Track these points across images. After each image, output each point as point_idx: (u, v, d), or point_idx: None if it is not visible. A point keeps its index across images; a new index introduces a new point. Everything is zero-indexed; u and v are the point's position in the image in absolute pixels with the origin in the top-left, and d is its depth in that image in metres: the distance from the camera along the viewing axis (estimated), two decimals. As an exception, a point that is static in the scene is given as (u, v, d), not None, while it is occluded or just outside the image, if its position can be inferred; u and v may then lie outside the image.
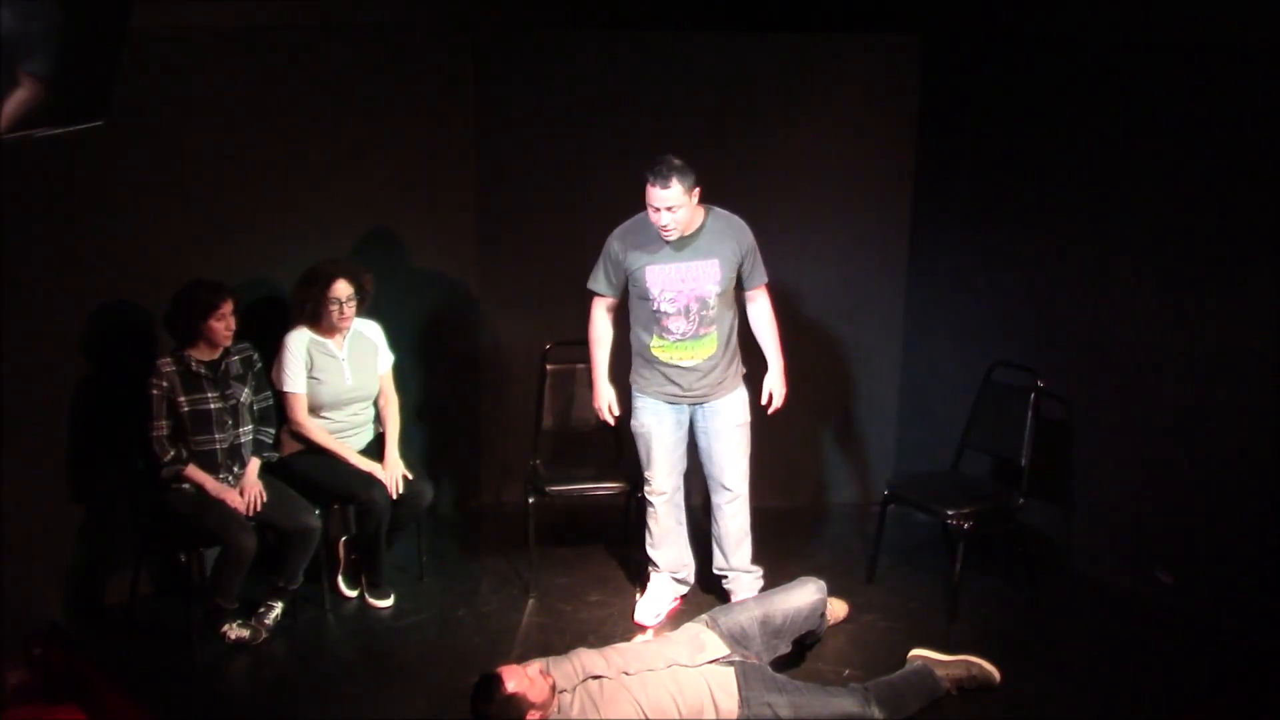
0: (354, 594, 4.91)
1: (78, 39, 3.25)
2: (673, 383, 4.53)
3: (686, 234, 4.39)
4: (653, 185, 4.24)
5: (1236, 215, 4.53)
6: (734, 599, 4.70)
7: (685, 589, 4.87)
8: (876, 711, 3.91)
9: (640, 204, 4.28)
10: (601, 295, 4.59)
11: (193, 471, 4.43)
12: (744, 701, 3.83)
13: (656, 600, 4.78)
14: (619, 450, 5.30)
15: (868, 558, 5.14)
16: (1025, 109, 5.12)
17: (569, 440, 5.49)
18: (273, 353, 4.66)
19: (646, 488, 4.71)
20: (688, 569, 4.86)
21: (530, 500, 4.94)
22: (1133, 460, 4.94)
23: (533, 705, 3.64)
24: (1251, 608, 4.61)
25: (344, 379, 4.72)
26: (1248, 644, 4.56)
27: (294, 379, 4.64)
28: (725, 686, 3.85)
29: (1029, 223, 5.18)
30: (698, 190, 4.30)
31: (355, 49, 5.05)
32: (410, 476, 4.73)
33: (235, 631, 4.49)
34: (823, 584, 4.35)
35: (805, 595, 4.28)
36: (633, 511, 5.09)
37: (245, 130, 4.82)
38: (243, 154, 4.82)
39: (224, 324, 4.39)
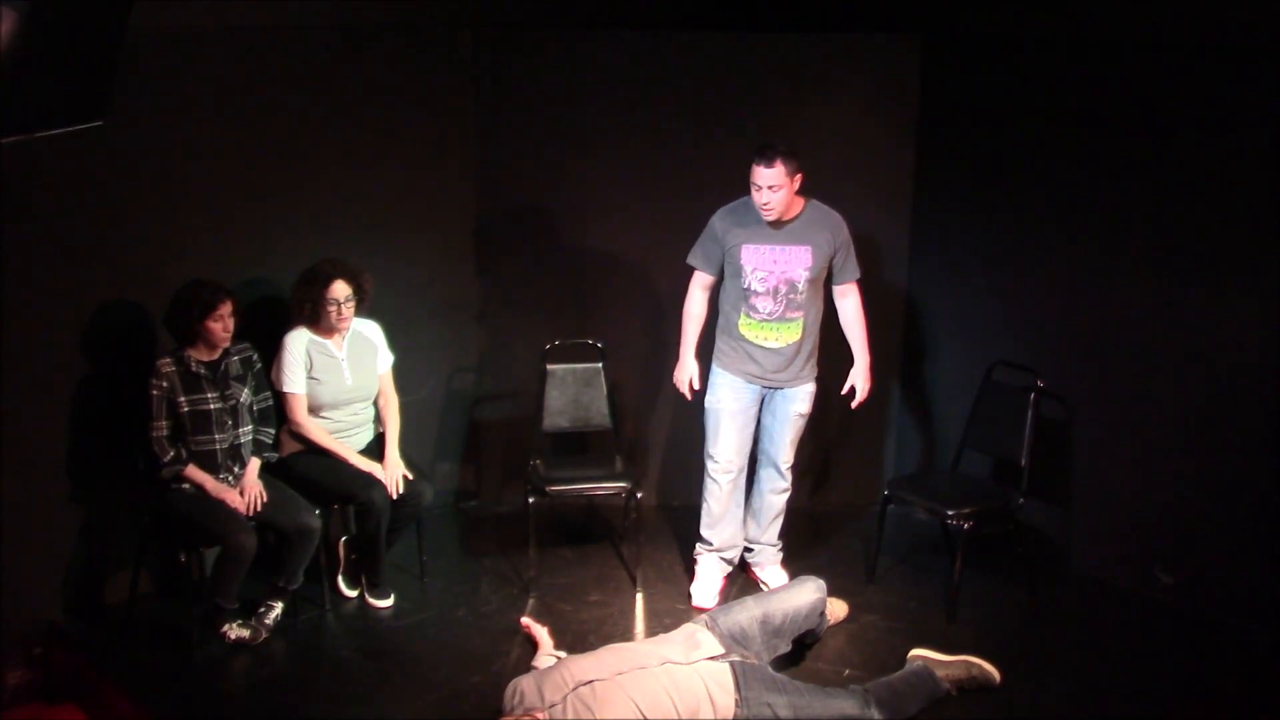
0: (354, 594, 4.91)
1: (76, 39, 3.24)
2: (754, 361, 4.67)
3: (785, 219, 4.55)
4: (758, 164, 4.45)
5: (1237, 215, 4.53)
6: (755, 571, 5.02)
7: (731, 569, 4.98)
8: (876, 713, 3.91)
9: (641, 204, 4.28)
10: (699, 270, 4.73)
11: (193, 472, 4.43)
12: (743, 701, 3.83)
13: (710, 581, 4.90)
14: (619, 450, 5.31)
15: (868, 558, 5.14)
16: (1025, 109, 5.11)
17: (569, 440, 5.50)
18: (272, 353, 4.66)
19: (711, 465, 4.82)
20: (736, 550, 4.97)
21: (530, 500, 4.94)
22: (1133, 460, 4.94)
23: None
24: (1251, 608, 4.61)
25: (343, 379, 4.72)
26: (1248, 644, 4.57)
27: (293, 379, 4.64)
28: (721, 683, 3.84)
29: (1029, 222, 5.18)
30: (799, 178, 4.49)
31: (355, 49, 5.05)
32: (410, 476, 4.73)
33: (235, 631, 4.49)
34: (822, 583, 4.36)
35: (805, 594, 4.28)
36: (632, 511, 5.09)
37: (245, 130, 4.81)
38: (242, 154, 4.82)
39: (221, 325, 4.39)
